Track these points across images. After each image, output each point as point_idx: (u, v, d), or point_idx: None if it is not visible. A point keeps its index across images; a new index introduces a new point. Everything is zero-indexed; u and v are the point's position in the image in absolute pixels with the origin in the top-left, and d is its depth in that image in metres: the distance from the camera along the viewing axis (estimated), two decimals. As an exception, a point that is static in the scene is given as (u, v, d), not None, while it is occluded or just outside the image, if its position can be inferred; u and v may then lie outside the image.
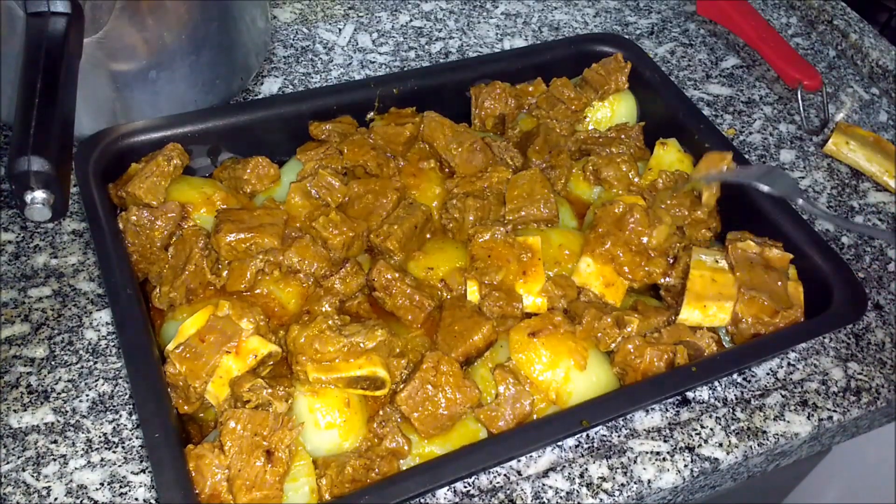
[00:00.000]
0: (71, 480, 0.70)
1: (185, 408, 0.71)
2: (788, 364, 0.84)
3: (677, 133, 0.97)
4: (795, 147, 1.07)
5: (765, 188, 0.74)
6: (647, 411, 0.78)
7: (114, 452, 0.72)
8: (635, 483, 0.73)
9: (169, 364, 0.70)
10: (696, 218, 0.89)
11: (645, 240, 0.83)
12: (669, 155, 0.94)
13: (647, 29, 1.23)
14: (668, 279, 0.84)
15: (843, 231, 0.97)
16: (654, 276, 0.83)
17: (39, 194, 0.65)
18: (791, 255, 0.82)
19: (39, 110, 0.67)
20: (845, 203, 1.01)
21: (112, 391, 0.75)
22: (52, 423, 0.73)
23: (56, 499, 0.68)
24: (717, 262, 0.82)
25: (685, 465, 0.75)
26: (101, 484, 0.70)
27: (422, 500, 0.71)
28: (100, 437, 0.72)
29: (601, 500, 0.72)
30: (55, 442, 0.72)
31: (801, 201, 0.73)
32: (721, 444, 0.77)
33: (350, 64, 1.11)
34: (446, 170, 0.93)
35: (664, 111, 0.99)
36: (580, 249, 0.84)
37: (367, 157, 0.89)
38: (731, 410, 0.79)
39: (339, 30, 1.16)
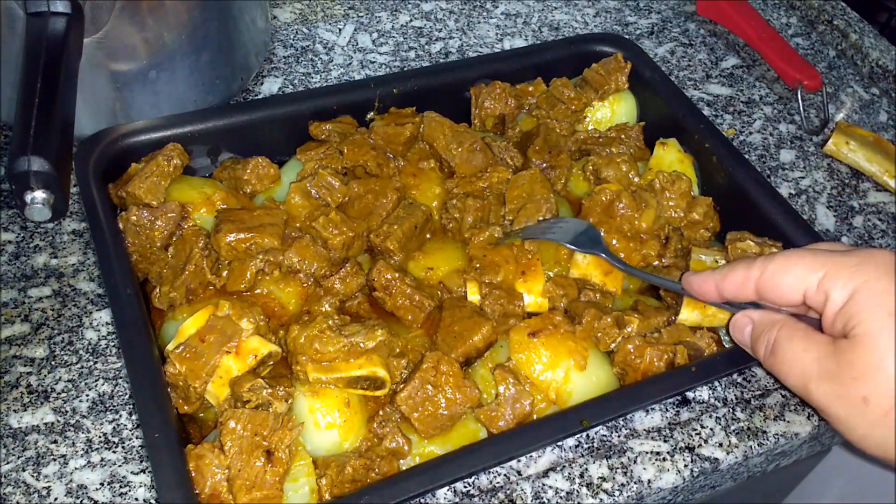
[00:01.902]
0: (71, 480, 0.70)
1: (185, 408, 0.71)
2: (788, 364, 0.84)
3: (677, 133, 0.97)
4: (795, 147, 1.07)
5: (570, 247, 0.81)
6: (647, 411, 0.78)
7: (114, 452, 0.72)
8: (635, 483, 0.73)
9: (169, 364, 0.70)
10: (693, 220, 0.89)
11: (636, 224, 0.84)
12: (669, 155, 0.94)
13: (647, 29, 1.23)
14: (663, 261, 0.85)
15: (844, 231, 0.97)
16: (649, 259, 0.84)
17: (39, 194, 0.65)
18: (791, 255, 0.82)
19: (39, 110, 0.67)
20: (845, 203, 1.01)
21: (112, 391, 0.75)
22: (52, 423, 0.73)
23: (56, 499, 0.68)
24: (716, 262, 0.82)
25: (685, 465, 0.75)
26: (101, 484, 0.70)
27: (422, 500, 0.71)
28: (100, 437, 0.72)
29: (601, 500, 0.72)
30: (55, 442, 0.72)
31: (603, 255, 0.80)
32: (721, 444, 0.77)
33: (350, 64, 1.11)
34: (446, 170, 0.93)
35: (664, 111, 0.99)
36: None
37: (367, 157, 0.89)
38: (731, 410, 0.79)
39: (339, 30, 1.16)
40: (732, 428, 0.78)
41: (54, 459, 0.71)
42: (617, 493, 0.72)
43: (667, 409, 0.79)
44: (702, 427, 0.78)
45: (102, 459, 0.71)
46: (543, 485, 0.72)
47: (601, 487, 0.73)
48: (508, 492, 0.72)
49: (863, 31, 1.23)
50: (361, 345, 0.72)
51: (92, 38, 0.83)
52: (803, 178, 1.03)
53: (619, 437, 0.76)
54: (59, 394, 0.75)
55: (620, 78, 1.00)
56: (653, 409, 0.79)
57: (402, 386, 0.73)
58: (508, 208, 0.87)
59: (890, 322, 0.55)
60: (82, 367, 0.77)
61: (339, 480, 0.68)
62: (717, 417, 0.79)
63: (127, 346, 0.69)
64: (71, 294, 0.82)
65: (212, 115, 0.90)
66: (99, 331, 0.80)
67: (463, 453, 0.67)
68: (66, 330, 0.79)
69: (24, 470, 0.70)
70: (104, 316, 0.81)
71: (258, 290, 0.79)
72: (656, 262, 0.85)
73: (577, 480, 0.73)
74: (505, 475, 0.73)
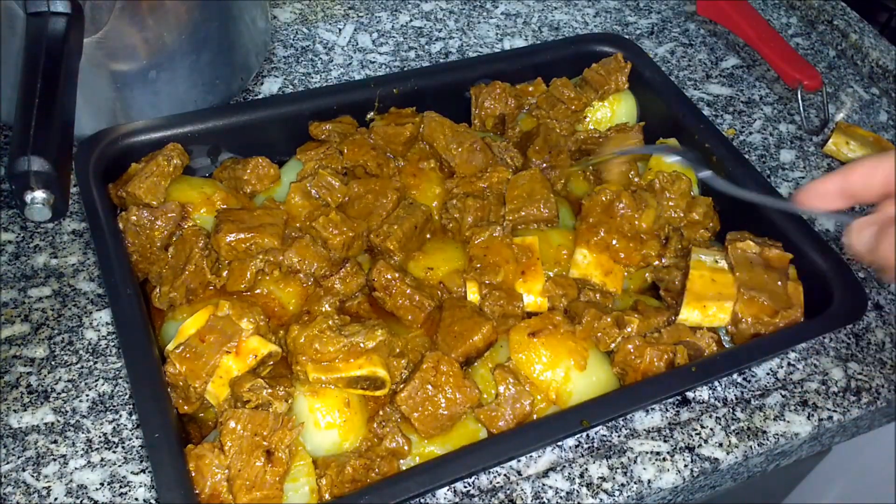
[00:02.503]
0: (71, 480, 0.70)
1: (185, 408, 0.71)
2: (788, 364, 0.84)
3: (677, 133, 0.97)
4: (795, 147, 1.07)
5: (671, 158, 0.75)
6: (647, 411, 0.78)
7: (114, 452, 0.72)
8: (635, 483, 0.73)
9: (169, 364, 0.70)
10: (692, 220, 0.89)
11: (636, 224, 0.84)
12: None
13: (647, 29, 1.23)
14: (663, 261, 0.84)
15: (844, 231, 0.97)
16: (649, 259, 0.84)
17: (39, 194, 0.65)
18: (791, 255, 0.82)
19: (39, 110, 0.67)
20: (845, 203, 1.00)
21: (112, 391, 0.75)
22: (52, 423, 0.73)
23: (56, 499, 0.68)
24: (716, 262, 0.82)
25: (685, 465, 0.75)
26: (101, 484, 0.70)
27: (422, 500, 0.71)
28: (100, 437, 0.72)
29: (601, 500, 0.72)
30: (55, 442, 0.72)
31: (708, 173, 0.74)
32: (721, 444, 0.77)
33: (350, 64, 1.11)
34: (446, 170, 0.92)
35: (664, 111, 0.99)
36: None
37: (367, 157, 0.89)
38: (731, 410, 0.79)
39: (339, 30, 1.16)
40: (732, 428, 0.78)
41: (54, 459, 0.71)
42: (617, 493, 0.72)
43: (667, 409, 0.79)
44: (702, 427, 0.78)
45: (102, 459, 0.71)
46: (543, 485, 0.72)
47: (601, 487, 0.73)
48: (508, 492, 0.72)
49: (863, 31, 1.23)
50: (361, 345, 0.72)
51: (92, 38, 0.83)
52: (803, 178, 1.03)
53: (619, 437, 0.76)
54: (59, 394, 0.75)
55: (620, 78, 1.00)
56: (653, 409, 0.79)
57: (402, 386, 0.73)
58: (508, 208, 0.87)
59: None
60: (82, 367, 0.77)
61: (339, 480, 0.68)
62: (717, 417, 0.79)
63: (127, 346, 0.69)
64: (71, 294, 0.82)
65: (212, 115, 0.90)
66: (99, 331, 0.80)
67: (463, 453, 0.67)
68: (66, 330, 0.79)
69: (24, 470, 0.70)
70: (104, 316, 0.81)
71: (258, 290, 0.79)
72: (656, 262, 0.85)
73: (577, 480, 0.73)
74: (505, 475, 0.73)
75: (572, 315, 0.79)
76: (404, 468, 0.71)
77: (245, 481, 0.65)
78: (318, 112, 0.92)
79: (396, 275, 0.79)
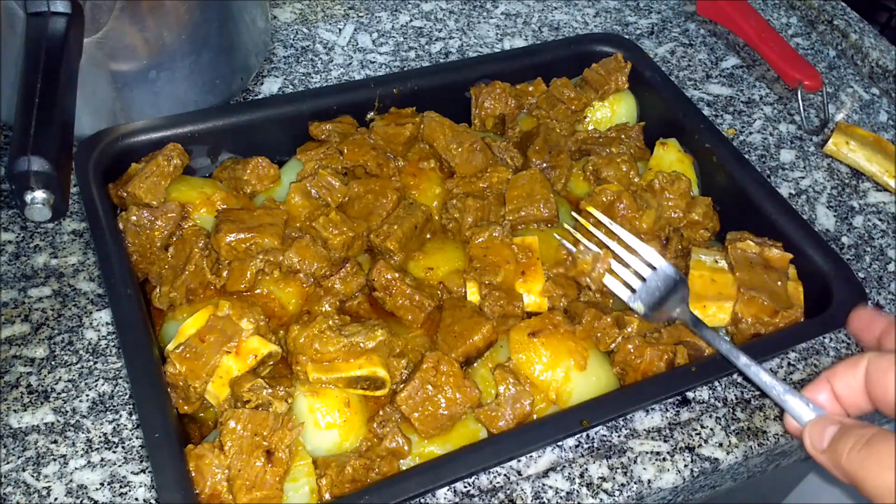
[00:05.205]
0: (71, 480, 0.70)
1: (185, 408, 0.71)
2: (788, 364, 0.84)
3: (677, 133, 0.97)
4: (795, 147, 1.07)
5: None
6: (647, 411, 0.78)
7: (114, 452, 0.72)
8: (635, 483, 0.73)
9: (169, 364, 0.70)
10: (692, 220, 0.89)
11: (636, 224, 0.84)
12: (669, 155, 0.94)
13: (647, 29, 1.23)
14: None
15: (844, 231, 0.97)
16: None
17: (39, 194, 0.65)
18: (791, 255, 0.83)
19: (39, 110, 0.67)
20: (845, 203, 1.01)
21: (112, 391, 0.75)
22: (52, 423, 0.73)
23: (56, 499, 0.68)
24: (716, 262, 0.82)
25: (685, 465, 0.75)
26: (101, 484, 0.70)
27: (422, 500, 0.71)
28: (100, 437, 0.72)
29: (601, 500, 0.72)
30: (55, 442, 0.72)
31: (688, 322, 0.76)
32: (721, 444, 0.77)
33: (350, 64, 1.11)
34: (446, 170, 0.92)
35: (664, 111, 0.99)
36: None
37: (367, 157, 0.89)
38: (731, 410, 0.79)
39: (339, 30, 1.16)
40: (732, 428, 0.78)
41: (54, 459, 0.71)
42: (617, 493, 0.72)
43: (667, 409, 0.79)
44: (702, 427, 0.78)
45: (102, 459, 0.71)
46: (543, 485, 0.72)
47: (601, 487, 0.73)
48: (508, 492, 0.72)
49: (863, 31, 1.23)
50: (361, 345, 0.72)
51: (92, 38, 0.83)
52: (803, 178, 1.03)
53: (619, 437, 0.76)
54: (59, 394, 0.75)
55: (620, 78, 1.00)
56: (653, 409, 0.79)
57: (402, 386, 0.73)
58: (508, 208, 0.87)
59: None
60: (82, 367, 0.77)
61: (339, 480, 0.68)
62: (717, 417, 0.79)
63: (127, 346, 0.69)
64: (71, 294, 0.82)
65: (212, 115, 0.90)
66: (99, 331, 0.80)
67: (463, 453, 0.67)
68: (66, 330, 0.79)
69: (24, 470, 0.70)
70: (104, 316, 0.81)
71: (258, 290, 0.79)
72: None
73: (577, 480, 0.73)
74: (505, 475, 0.73)
75: (572, 315, 0.79)
76: (404, 468, 0.71)
77: (245, 481, 0.65)
78: (318, 112, 0.92)
79: (396, 275, 0.79)
